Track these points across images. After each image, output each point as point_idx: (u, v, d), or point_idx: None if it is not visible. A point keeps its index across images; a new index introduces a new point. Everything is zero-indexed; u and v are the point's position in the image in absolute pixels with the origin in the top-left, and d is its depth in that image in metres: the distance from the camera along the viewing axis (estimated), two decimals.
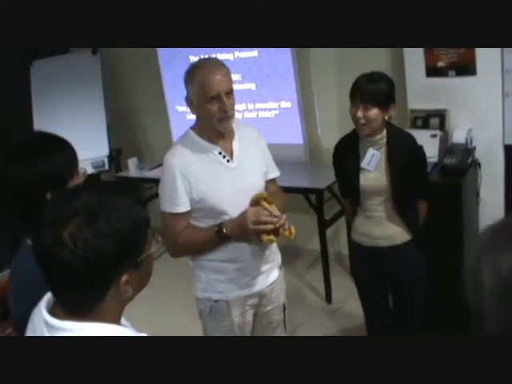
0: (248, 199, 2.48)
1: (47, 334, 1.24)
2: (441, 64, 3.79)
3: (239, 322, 2.63)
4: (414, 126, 3.87)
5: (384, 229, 2.87)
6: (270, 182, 2.72)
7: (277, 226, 2.39)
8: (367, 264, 2.99)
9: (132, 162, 5.80)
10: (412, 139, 2.86)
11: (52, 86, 5.80)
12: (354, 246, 3.08)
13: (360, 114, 2.66)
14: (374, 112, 2.67)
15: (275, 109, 4.93)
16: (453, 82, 3.79)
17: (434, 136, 3.70)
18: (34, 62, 5.91)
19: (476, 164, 3.79)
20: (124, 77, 6.27)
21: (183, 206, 2.46)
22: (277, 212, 2.41)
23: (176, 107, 5.63)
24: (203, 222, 2.51)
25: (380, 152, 2.79)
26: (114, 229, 1.21)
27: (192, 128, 2.56)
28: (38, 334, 1.26)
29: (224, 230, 2.43)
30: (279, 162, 2.84)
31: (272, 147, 2.80)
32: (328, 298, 4.58)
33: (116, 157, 6.00)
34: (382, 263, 2.94)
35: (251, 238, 2.48)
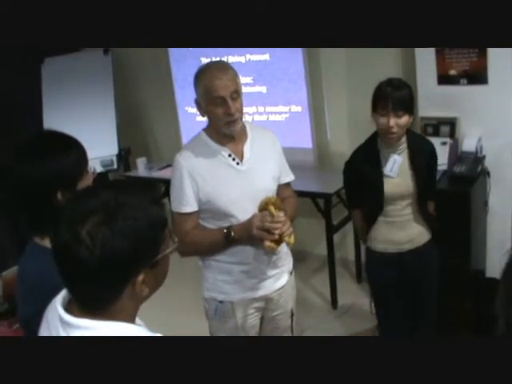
0: (257, 202, 2.47)
1: (62, 332, 1.24)
2: (452, 72, 3.78)
3: (243, 325, 2.62)
4: (425, 133, 3.85)
5: (406, 232, 2.90)
6: (284, 187, 2.71)
7: (278, 233, 2.37)
8: (388, 270, 2.97)
9: (141, 162, 5.80)
10: (429, 142, 2.98)
11: (63, 84, 5.81)
12: (372, 254, 3.04)
13: (392, 122, 2.65)
14: (405, 119, 2.68)
15: (285, 112, 4.93)
16: (464, 91, 3.78)
17: (444, 144, 3.70)
18: (46, 60, 5.92)
19: (485, 173, 3.78)
20: (135, 77, 6.29)
21: (190, 206, 2.47)
22: (281, 218, 2.39)
23: (186, 108, 5.64)
24: (211, 222, 2.52)
25: (401, 157, 2.80)
26: (131, 228, 1.21)
27: (204, 130, 2.56)
28: (53, 331, 1.27)
29: (232, 234, 2.44)
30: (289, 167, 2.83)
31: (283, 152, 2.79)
32: (334, 303, 4.57)
33: (125, 156, 6.00)
34: (404, 267, 2.95)
35: (257, 242, 2.48)
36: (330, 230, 4.48)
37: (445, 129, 3.85)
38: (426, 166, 2.88)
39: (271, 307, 2.69)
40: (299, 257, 5.06)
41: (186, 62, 5.46)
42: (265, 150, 2.60)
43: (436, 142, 3.62)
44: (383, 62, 4.26)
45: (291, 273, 2.76)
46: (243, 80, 4.05)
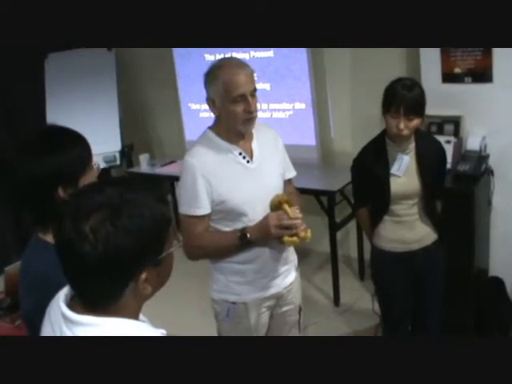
0: (267, 200, 2.44)
1: (65, 329, 1.24)
2: (457, 70, 3.77)
3: (256, 324, 2.60)
4: (429, 131, 3.84)
5: (415, 231, 2.90)
6: (287, 183, 2.68)
7: (297, 228, 2.36)
8: (395, 269, 2.96)
9: (144, 158, 5.81)
10: (438, 141, 2.98)
11: (66, 80, 5.82)
12: (378, 252, 3.03)
13: (402, 125, 2.64)
14: (416, 122, 2.68)
15: (289, 109, 4.93)
16: (469, 89, 3.77)
17: (448, 142, 3.68)
18: (49, 56, 5.93)
19: (489, 172, 3.77)
20: (138, 73, 6.29)
21: (204, 209, 2.40)
22: (298, 214, 2.38)
23: (189, 105, 5.64)
24: (221, 223, 2.47)
25: (409, 156, 2.81)
26: (135, 225, 1.20)
27: (210, 128, 2.50)
28: (56, 327, 1.26)
29: (248, 236, 2.40)
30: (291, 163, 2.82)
31: (285, 148, 2.78)
32: (336, 300, 4.57)
33: (128, 152, 6.01)
34: (412, 266, 2.95)
35: (272, 240, 2.45)
36: (333, 228, 4.47)
37: (449, 127, 3.84)
38: (434, 165, 2.88)
39: (281, 303, 2.67)
40: (302, 254, 5.03)
41: (189, 59, 5.46)
42: (269, 146, 2.58)
43: (440, 140, 3.62)
44: (387, 60, 4.25)
45: (297, 268, 2.75)
46: None
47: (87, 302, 1.25)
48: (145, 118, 6.51)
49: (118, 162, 5.85)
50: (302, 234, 2.38)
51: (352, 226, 4.82)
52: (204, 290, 2.72)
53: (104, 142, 5.45)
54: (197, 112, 5.51)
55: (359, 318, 4.22)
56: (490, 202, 3.86)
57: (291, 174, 2.74)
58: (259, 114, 2.47)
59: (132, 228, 1.20)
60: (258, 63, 4.91)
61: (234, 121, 2.37)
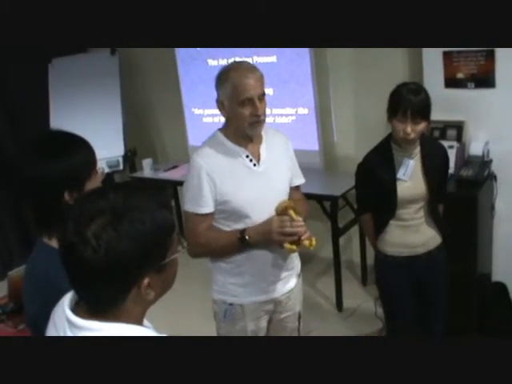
0: (272, 205, 2.43)
1: (70, 333, 1.24)
2: (460, 75, 3.78)
3: (252, 327, 2.61)
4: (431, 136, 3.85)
5: (420, 235, 2.91)
6: (294, 189, 2.69)
7: (298, 236, 2.36)
8: (400, 274, 2.97)
9: (147, 163, 5.81)
10: (442, 146, 3.02)
11: (70, 85, 5.84)
12: (383, 257, 3.03)
13: (409, 129, 2.65)
14: (423, 126, 2.69)
15: (292, 114, 4.93)
16: (471, 94, 3.77)
17: (450, 147, 3.68)
18: (53, 60, 5.95)
19: (492, 177, 3.77)
20: (141, 78, 6.30)
21: (207, 208, 2.44)
22: (301, 223, 2.38)
23: (192, 109, 5.64)
24: (224, 223, 2.49)
25: (414, 161, 2.82)
26: (137, 231, 1.21)
27: (220, 130, 2.54)
28: (60, 332, 1.27)
29: (247, 237, 2.41)
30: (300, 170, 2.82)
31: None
32: (339, 305, 4.56)
33: (131, 157, 6.01)
34: (416, 270, 2.95)
35: (273, 245, 2.46)
36: (336, 233, 4.46)
37: (452, 132, 3.84)
38: (439, 169, 2.91)
39: (280, 310, 2.68)
40: (305, 259, 5.01)
41: (192, 64, 5.47)
42: (279, 152, 2.59)
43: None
44: (390, 65, 4.26)
45: (299, 275, 2.75)
46: None
47: (90, 306, 1.26)
48: (148, 122, 6.52)
49: (121, 167, 5.85)
50: (307, 242, 2.38)
51: (355, 231, 4.82)
52: (207, 294, 2.72)
53: (107, 147, 5.44)
54: (200, 117, 5.52)
55: (362, 323, 4.21)
56: (492, 207, 3.86)
57: (299, 180, 2.75)
58: None
59: (134, 233, 1.20)
60: (261, 68, 4.86)
61: (240, 123, 2.39)
